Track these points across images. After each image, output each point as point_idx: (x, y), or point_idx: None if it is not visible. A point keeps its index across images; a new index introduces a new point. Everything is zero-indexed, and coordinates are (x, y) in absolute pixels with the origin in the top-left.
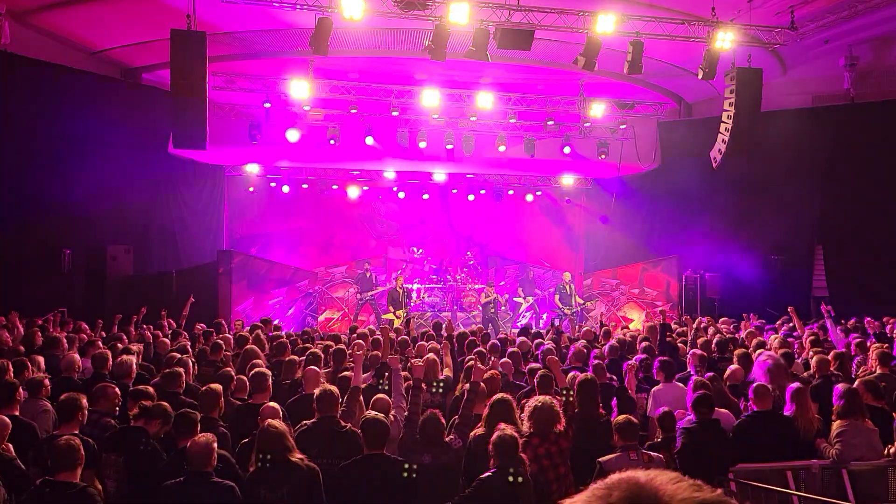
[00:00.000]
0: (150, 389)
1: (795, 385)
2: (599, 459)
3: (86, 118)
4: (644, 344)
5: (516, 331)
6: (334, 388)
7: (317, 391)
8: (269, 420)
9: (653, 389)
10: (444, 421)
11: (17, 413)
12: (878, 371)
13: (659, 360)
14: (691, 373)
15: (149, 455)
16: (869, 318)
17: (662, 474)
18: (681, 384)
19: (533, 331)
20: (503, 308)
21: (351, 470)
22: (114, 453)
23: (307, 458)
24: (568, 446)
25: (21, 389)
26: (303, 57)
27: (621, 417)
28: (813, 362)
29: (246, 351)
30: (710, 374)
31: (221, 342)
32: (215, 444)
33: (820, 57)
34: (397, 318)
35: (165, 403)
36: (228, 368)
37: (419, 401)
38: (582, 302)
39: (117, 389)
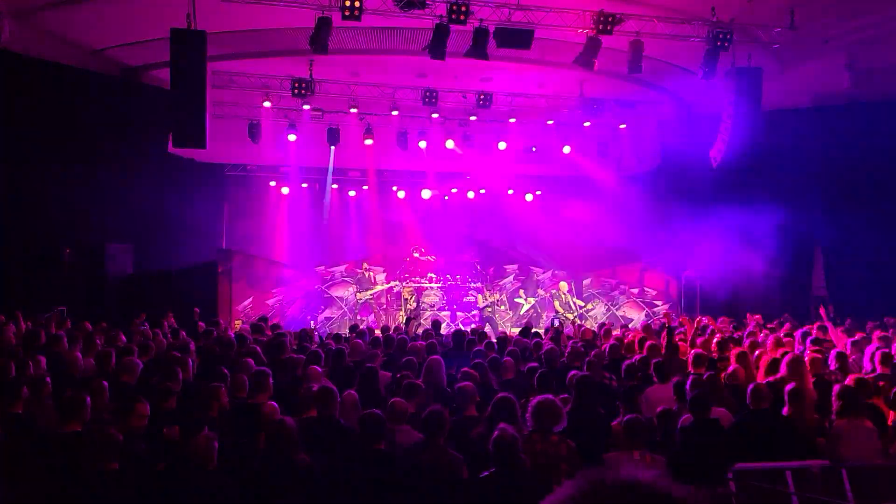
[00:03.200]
0: None
1: (792, 384)
2: (603, 455)
3: (86, 117)
4: (648, 343)
5: (517, 330)
6: (333, 387)
7: (317, 388)
8: (281, 417)
9: (647, 390)
10: (448, 417)
11: (20, 411)
12: (879, 371)
13: (654, 361)
14: (690, 372)
15: (148, 454)
16: (871, 324)
17: (645, 469)
18: None
19: (533, 331)
20: (503, 307)
21: (350, 466)
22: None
23: (309, 458)
24: (570, 445)
25: (24, 388)
26: (303, 56)
27: (629, 416)
28: (808, 362)
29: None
30: (709, 373)
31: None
32: (217, 443)
33: (820, 56)
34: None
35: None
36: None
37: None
38: (582, 304)
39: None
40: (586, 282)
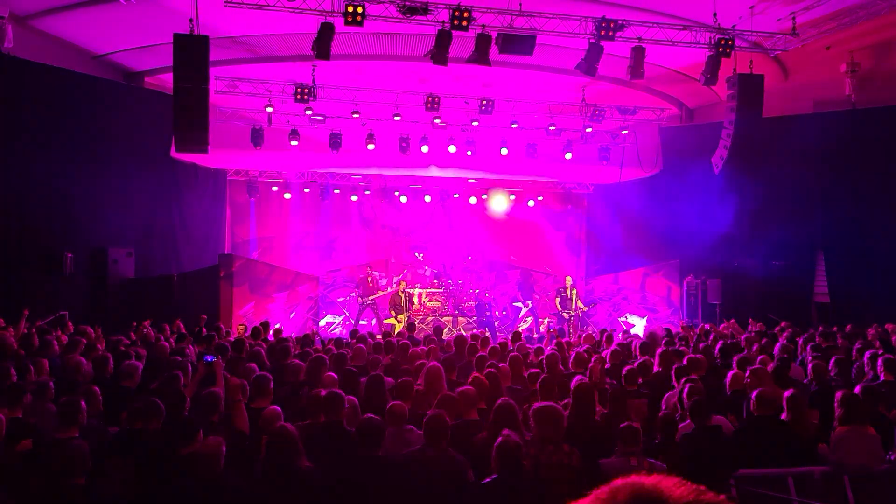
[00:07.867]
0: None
1: (790, 391)
2: (600, 461)
3: (88, 122)
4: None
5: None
6: (340, 392)
7: (324, 393)
8: (282, 423)
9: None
10: (449, 420)
11: (20, 415)
12: (883, 378)
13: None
14: (692, 378)
15: (154, 456)
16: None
17: (667, 478)
18: None
19: (525, 336)
20: (503, 312)
21: (349, 471)
22: (118, 456)
23: (312, 464)
24: (573, 451)
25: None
26: (305, 61)
27: (623, 423)
28: (810, 368)
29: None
30: (713, 379)
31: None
32: (224, 447)
33: (821, 63)
34: (399, 322)
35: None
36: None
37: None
38: (583, 307)
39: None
40: (588, 287)
